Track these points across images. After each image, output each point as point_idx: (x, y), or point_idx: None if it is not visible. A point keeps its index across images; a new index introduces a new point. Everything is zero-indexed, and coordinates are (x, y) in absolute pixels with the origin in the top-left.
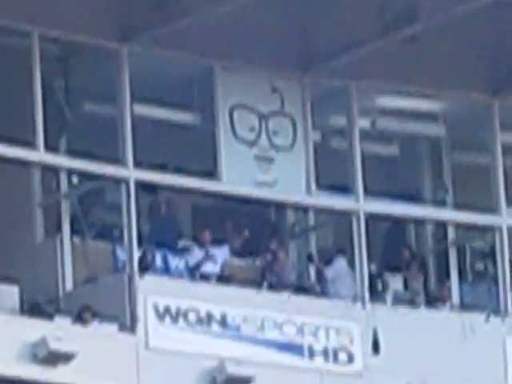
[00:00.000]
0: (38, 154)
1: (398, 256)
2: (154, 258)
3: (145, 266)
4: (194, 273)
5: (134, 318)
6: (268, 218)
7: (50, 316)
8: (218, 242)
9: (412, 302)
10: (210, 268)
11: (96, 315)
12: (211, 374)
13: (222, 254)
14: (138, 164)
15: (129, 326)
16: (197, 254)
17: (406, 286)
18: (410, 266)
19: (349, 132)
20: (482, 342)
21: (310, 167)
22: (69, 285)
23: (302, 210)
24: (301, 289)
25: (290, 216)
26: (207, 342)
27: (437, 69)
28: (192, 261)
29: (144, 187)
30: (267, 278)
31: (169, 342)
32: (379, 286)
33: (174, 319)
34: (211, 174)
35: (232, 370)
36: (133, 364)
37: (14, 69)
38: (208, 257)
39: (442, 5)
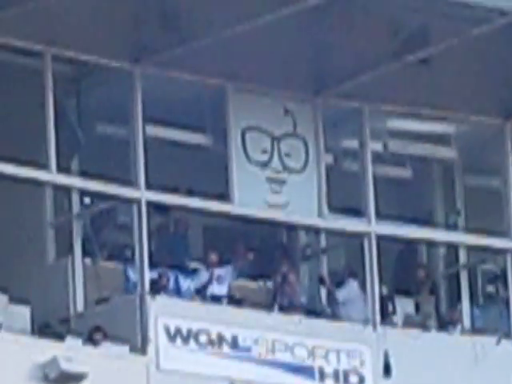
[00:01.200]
0: (51, 175)
1: (410, 279)
2: (168, 280)
3: (159, 288)
4: (202, 294)
5: (144, 339)
6: (279, 240)
7: (61, 337)
8: (223, 262)
9: (423, 325)
10: (216, 289)
11: (107, 336)
12: None
13: (225, 273)
14: (149, 185)
15: (140, 346)
16: (204, 275)
17: (417, 308)
18: (421, 288)
19: (361, 154)
20: (494, 365)
21: (322, 189)
22: (80, 305)
23: (314, 232)
24: (312, 311)
25: (302, 238)
26: (218, 363)
27: (449, 92)
28: (199, 282)
29: (156, 208)
30: (278, 301)
31: (180, 364)
32: (390, 309)
33: (185, 340)
34: (223, 195)
35: None
36: None
37: (27, 89)
38: (213, 278)
39: (454, 28)
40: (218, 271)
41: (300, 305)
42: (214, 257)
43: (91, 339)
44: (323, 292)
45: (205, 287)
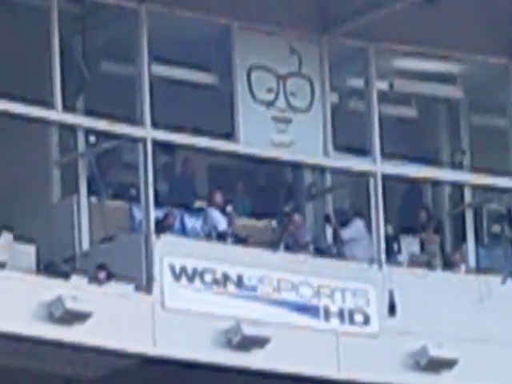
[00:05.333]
0: (56, 114)
1: (415, 218)
2: (174, 219)
3: (165, 227)
4: (211, 234)
5: (150, 278)
6: (284, 179)
7: (66, 275)
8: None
9: (428, 265)
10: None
11: (111, 274)
12: (227, 335)
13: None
14: (155, 123)
15: (145, 285)
16: (214, 214)
17: (422, 248)
18: (426, 227)
19: (366, 94)
20: (498, 304)
21: (328, 128)
22: (85, 244)
23: (319, 171)
24: (317, 250)
25: (307, 177)
26: (223, 302)
27: (455, 31)
28: (214, 224)
29: (161, 147)
30: (284, 239)
31: (185, 303)
32: (395, 248)
33: (191, 279)
34: (228, 134)
35: (248, 330)
36: (148, 324)
37: (33, 27)
38: (232, 223)
39: None
40: (228, 209)
41: (305, 244)
42: (218, 196)
43: (96, 278)
44: (329, 231)
45: (225, 234)
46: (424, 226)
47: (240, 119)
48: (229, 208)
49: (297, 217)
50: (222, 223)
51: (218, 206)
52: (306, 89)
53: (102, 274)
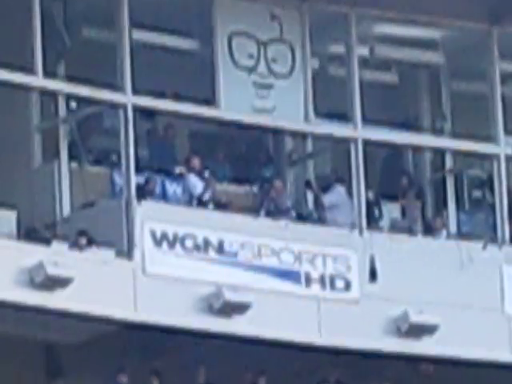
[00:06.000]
0: (37, 79)
1: (396, 184)
2: (155, 184)
3: (146, 193)
4: (192, 200)
5: (130, 244)
6: (265, 144)
7: (47, 241)
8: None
9: (409, 230)
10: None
11: (92, 241)
12: (208, 300)
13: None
14: (136, 89)
15: (126, 251)
16: (193, 181)
17: (403, 213)
18: (407, 193)
19: (347, 59)
20: (480, 270)
21: (309, 94)
22: (66, 210)
23: (300, 137)
24: (298, 216)
25: (288, 143)
26: (204, 268)
27: None
28: (190, 188)
29: (142, 113)
30: (265, 205)
31: (166, 268)
32: (376, 214)
33: (171, 245)
34: (209, 100)
35: (229, 296)
36: (130, 289)
37: None
38: (209, 187)
39: None
40: (206, 174)
41: (286, 210)
42: (196, 161)
43: (76, 244)
44: (310, 197)
45: (203, 195)
46: (405, 192)
47: (221, 85)
48: (206, 173)
49: (277, 183)
50: (198, 188)
51: (196, 171)
52: (286, 55)
53: (83, 241)
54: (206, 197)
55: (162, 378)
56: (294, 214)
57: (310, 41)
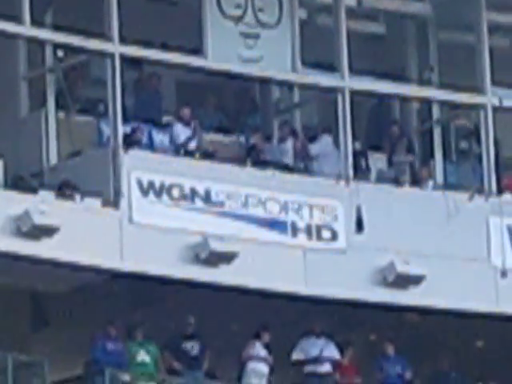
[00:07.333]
0: (24, 28)
1: (384, 134)
2: (142, 134)
3: (133, 142)
4: (179, 149)
5: (117, 193)
6: (251, 94)
7: (33, 190)
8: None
9: (396, 181)
10: (192, 143)
11: (76, 189)
12: (194, 250)
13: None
14: (123, 39)
15: (112, 200)
16: (180, 129)
17: (390, 164)
18: (397, 144)
19: (335, 10)
20: (466, 221)
21: (296, 44)
22: (53, 159)
23: (287, 86)
24: (285, 166)
25: (275, 93)
26: (191, 217)
27: None
28: (176, 137)
29: (129, 62)
30: (251, 155)
31: (152, 218)
32: (363, 164)
33: (158, 194)
34: (197, 50)
35: (215, 245)
36: (116, 238)
37: None
38: (196, 133)
39: None
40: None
41: (273, 159)
42: (186, 111)
43: (61, 193)
44: (296, 147)
45: (187, 142)
46: (395, 142)
47: (208, 35)
48: (194, 122)
49: (256, 137)
50: (181, 136)
51: (185, 121)
52: (274, 4)
53: (68, 191)
54: (191, 145)
55: (149, 327)
56: (280, 164)
57: None
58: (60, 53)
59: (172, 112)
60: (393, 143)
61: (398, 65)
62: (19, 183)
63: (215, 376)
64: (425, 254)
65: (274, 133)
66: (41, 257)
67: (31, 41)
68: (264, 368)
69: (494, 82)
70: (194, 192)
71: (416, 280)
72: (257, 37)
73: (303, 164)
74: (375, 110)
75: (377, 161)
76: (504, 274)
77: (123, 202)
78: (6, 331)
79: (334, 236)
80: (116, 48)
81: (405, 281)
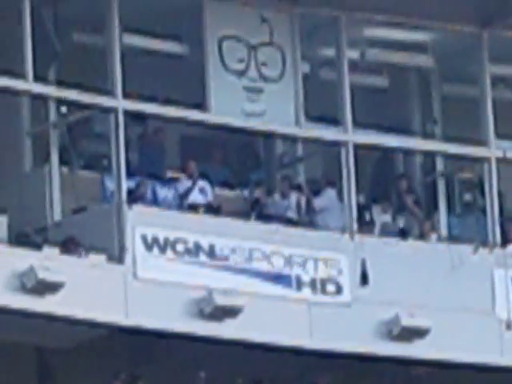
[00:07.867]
0: (27, 84)
1: (388, 188)
2: (146, 189)
3: (137, 198)
4: (182, 202)
5: (122, 249)
6: (255, 149)
7: (38, 246)
8: (200, 171)
9: (401, 234)
10: (199, 199)
11: (80, 245)
12: (199, 305)
13: (207, 186)
14: (126, 94)
15: (117, 256)
16: (185, 184)
17: (394, 217)
18: (404, 197)
19: (338, 63)
20: (471, 273)
21: (299, 98)
22: (57, 215)
23: (291, 140)
24: (289, 220)
25: (279, 147)
26: (195, 272)
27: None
28: (181, 190)
29: (133, 117)
30: (255, 209)
31: (157, 273)
32: (367, 218)
33: (162, 249)
34: (200, 104)
35: (220, 300)
36: (121, 294)
37: None
38: (196, 185)
39: None
40: (200, 183)
41: (277, 213)
42: (192, 166)
43: (65, 249)
44: (301, 201)
45: (187, 194)
46: (401, 195)
47: (211, 89)
48: (195, 174)
49: (258, 191)
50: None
51: (191, 175)
52: (277, 58)
53: (72, 247)
54: (199, 200)
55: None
56: (284, 217)
57: (301, 44)
58: (63, 108)
59: (175, 167)
60: (400, 197)
61: (401, 118)
62: (23, 239)
63: None
64: (429, 306)
65: (277, 187)
66: (45, 312)
67: (34, 96)
68: None
69: (498, 135)
70: (198, 246)
71: (421, 333)
72: (260, 91)
73: (307, 218)
74: (379, 164)
75: (381, 214)
76: (509, 326)
77: (128, 257)
78: None
79: (339, 290)
80: (119, 103)
81: (410, 334)
